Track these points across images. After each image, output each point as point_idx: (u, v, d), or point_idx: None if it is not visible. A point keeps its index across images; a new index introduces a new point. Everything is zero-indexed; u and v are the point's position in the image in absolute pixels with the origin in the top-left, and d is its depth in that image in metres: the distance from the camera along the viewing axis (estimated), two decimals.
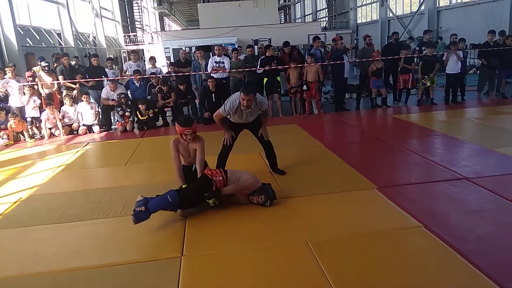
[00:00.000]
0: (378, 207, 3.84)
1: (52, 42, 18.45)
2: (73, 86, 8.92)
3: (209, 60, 9.05)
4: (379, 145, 6.12)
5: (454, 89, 9.24)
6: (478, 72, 10.58)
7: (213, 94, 8.52)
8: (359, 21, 32.33)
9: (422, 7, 22.62)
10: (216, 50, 9.07)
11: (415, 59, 9.31)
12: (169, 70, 9.76)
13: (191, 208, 3.86)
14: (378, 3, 27.77)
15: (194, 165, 4.20)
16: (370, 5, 30.24)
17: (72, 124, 8.45)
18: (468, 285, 2.56)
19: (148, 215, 3.56)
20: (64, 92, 8.88)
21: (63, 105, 8.55)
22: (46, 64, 8.72)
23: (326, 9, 37.81)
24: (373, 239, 3.20)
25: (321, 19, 37.36)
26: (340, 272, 2.74)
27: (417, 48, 9.71)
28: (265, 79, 8.89)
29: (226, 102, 4.52)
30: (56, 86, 8.70)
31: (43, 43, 17.39)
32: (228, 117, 4.60)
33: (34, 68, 8.97)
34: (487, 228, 3.29)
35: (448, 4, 21.11)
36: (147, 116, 8.43)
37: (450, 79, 9.12)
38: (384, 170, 4.89)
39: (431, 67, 9.05)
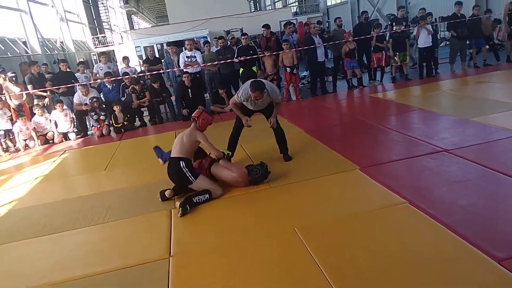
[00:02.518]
0: (362, 188, 3.86)
1: (18, 51, 17.89)
2: (44, 94, 8.66)
3: (180, 55, 8.90)
4: (358, 125, 6.14)
5: (427, 63, 9.33)
6: (448, 44, 10.72)
7: (189, 90, 8.40)
8: (329, 3, 32.30)
9: None
10: (186, 44, 8.92)
11: (387, 36, 9.35)
12: (143, 68, 9.57)
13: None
14: None
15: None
16: None
17: (47, 133, 8.22)
18: (456, 256, 2.58)
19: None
20: (35, 101, 8.62)
21: (34, 115, 8.29)
22: (13, 74, 8.43)
23: None
24: (359, 220, 3.21)
25: (291, 4, 37.21)
26: (328, 256, 2.74)
27: (389, 24, 9.74)
28: (241, 70, 8.80)
29: (239, 89, 4.73)
30: (25, 96, 8.42)
31: (8, 53, 16.84)
32: (244, 103, 4.75)
33: None
34: (470, 198, 3.33)
35: None
36: (122, 124, 8.27)
37: (423, 53, 9.21)
38: (365, 150, 4.91)
39: (401, 44, 9.10)
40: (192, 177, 4.04)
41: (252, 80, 4.62)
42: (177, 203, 3.86)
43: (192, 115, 4.36)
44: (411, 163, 4.28)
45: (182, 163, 4.04)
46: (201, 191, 3.98)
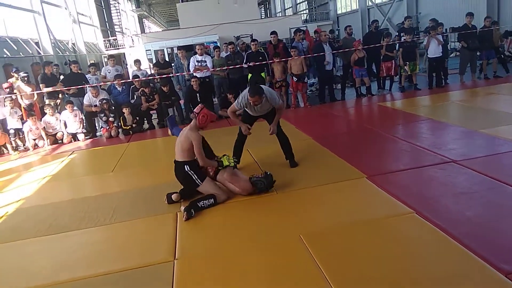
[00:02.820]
0: (369, 196, 3.84)
1: (31, 52, 18.13)
2: (57, 92, 8.75)
3: (191, 59, 8.96)
4: (366, 134, 6.13)
5: (437, 73, 9.30)
6: (459, 55, 10.67)
7: (197, 94, 8.45)
8: (339, 11, 32.37)
9: None
10: (197, 49, 8.98)
11: (396, 45, 9.34)
12: (153, 72, 9.66)
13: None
14: None
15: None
16: None
17: (56, 133, 8.30)
18: (462, 267, 2.56)
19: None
20: (47, 101, 8.72)
21: (44, 114, 8.39)
22: (26, 74, 8.54)
23: (306, 2, 37.81)
24: (365, 228, 3.19)
25: (302, 12, 37.37)
26: (334, 264, 2.73)
27: (397, 34, 9.75)
28: (250, 75, 8.84)
29: (239, 96, 4.71)
30: (36, 96, 8.53)
31: (21, 53, 17.07)
32: (246, 109, 4.77)
33: (10, 80, 8.77)
34: (477, 209, 3.31)
35: None
36: (130, 126, 8.33)
37: (433, 63, 9.18)
38: (372, 159, 4.89)
39: (411, 53, 9.08)
40: (199, 180, 4.05)
41: (251, 86, 4.65)
42: (183, 207, 3.87)
43: (194, 111, 4.30)
44: (418, 173, 4.26)
45: (186, 167, 4.05)
46: (206, 195, 3.98)
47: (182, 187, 4.24)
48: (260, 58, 8.74)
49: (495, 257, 2.58)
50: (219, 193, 4.04)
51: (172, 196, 4.14)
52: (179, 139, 4.18)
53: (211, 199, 3.94)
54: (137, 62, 10.01)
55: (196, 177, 4.04)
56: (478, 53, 9.63)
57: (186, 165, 4.06)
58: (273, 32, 9.40)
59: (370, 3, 26.67)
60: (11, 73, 8.60)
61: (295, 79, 8.66)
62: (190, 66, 8.84)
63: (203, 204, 3.89)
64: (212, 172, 4.20)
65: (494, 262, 2.53)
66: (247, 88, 4.63)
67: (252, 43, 9.12)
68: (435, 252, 2.76)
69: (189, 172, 4.04)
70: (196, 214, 3.79)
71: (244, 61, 8.84)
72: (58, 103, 8.72)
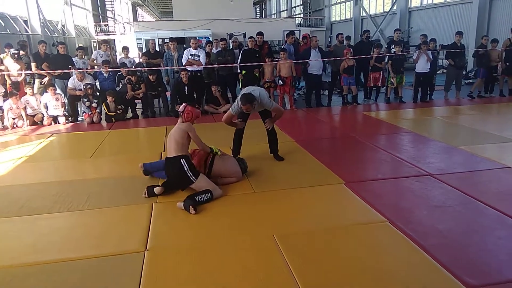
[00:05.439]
0: (345, 202, 3.88)
1: (18, 29, 17.76)
2: (44, 73, 8.57)
3: (184, 52, 8.84)
4: (348, 141, 6.19)
5: (423, 88, 9.44)
6: (445, 72, 10.84)
7: (186, 87, 8.38)
8: (333, 19, 32.59)
9: (395, 7, 22.98)
10: (192, 43, 8.86)
11: (386, 57, 9.44)
12: (141, 61, 9.54)
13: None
14: (352, 2, 28.06)
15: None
16: (344, 3, 30.54)
17: (35, 115, 8.12)
18: (429, 279, 2.60)
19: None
20: (36, 81, 8.55)
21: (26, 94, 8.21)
22: (16, 51, 8.34)
23: (302, 6, 37.98)
24: (338, 233, 3.23)
25: (296, 16, 37.51)
26: (304, 266, 2.74)
27: (387, 47, 9.87)
28: (243, 72, 8.79)
29: (233, 103, 4.90)
30: (23, 75, 8.33)
31: (8, 30, 16.71)
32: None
33: (1, 56, 8.56)
34: (448, 223, 3.37)
35: (419, 5, 21.55)
36: (115, 113, 8.21)
37: (419, 78, 9.31)
38: (352, 166, 4.94)
39: (400, 66, 9.19)
40: (194, 177, 3.95)
41: (243, 93, 4.73)
42: (178, 203, 3.77)
43: (178, 110, 4.28)
44: (395, 183, 4.32)
45: (182, 161, 3.94)
46: (203, 190, 3.87)
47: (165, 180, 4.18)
48: (257, 55, 8.72)
49: (461, 270, 2.64)
50: (213, 188, 3.96)
51: (155, 189, 4.02)
52: (170, 137, 4.10)
53: (208, 194, 3.84)
54: (126, 49, 9.85)
55: (191, 174, 3.93)
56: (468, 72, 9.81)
57: (182, 159, 3.95)
58: (259, 33, 9.41)
59: (364, 14, 26.93)
60: (5, 49, 8.41)
61: (280, 82, 8.68)
62: (183, 58, 8.71)
63: (201, 198, 3.78)
64: (202, 168, 4.22)
65: (460, 275, 2.59)
66: (240, 95, 4.74)
67: (249, 39, 9.08)
68: (404, 262, 2.80)
69: (185, 167, 3.91)
70: (170, 207, 3.76)
71: (239, 57, 8.80)
72: (44, 82, 8.54)
